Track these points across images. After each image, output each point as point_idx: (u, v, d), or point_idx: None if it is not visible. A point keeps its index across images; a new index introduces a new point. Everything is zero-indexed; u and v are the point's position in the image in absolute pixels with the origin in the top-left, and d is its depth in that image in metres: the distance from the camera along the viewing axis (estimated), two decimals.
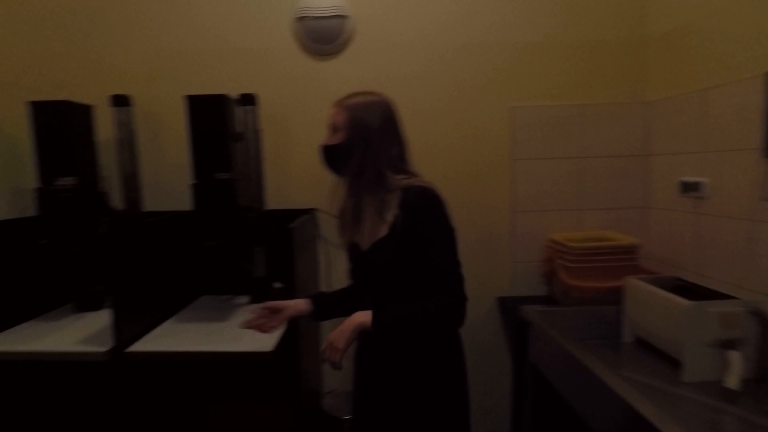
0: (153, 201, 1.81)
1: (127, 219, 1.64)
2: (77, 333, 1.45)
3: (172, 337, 1.42)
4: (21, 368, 1.33)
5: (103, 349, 1.32)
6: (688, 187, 1.59)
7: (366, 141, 1.06)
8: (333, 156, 1.11)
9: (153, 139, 1.82)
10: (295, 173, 1.84)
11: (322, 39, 1.74)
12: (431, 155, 1.79)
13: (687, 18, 1.59)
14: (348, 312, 1.12)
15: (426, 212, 1.03)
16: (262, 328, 1.22)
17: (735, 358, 1.20)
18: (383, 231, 1.06)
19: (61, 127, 1.42)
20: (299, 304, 1.25)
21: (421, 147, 1.54)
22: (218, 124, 1.40)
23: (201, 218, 1.42)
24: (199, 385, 1.36)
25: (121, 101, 1.63)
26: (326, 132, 1.14)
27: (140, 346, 1.35)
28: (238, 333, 1.44)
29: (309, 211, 1.82)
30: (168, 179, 1.83)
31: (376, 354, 1.15)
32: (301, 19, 1.73)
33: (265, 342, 1.36)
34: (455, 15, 1.80)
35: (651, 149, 1.82)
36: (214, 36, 1.80)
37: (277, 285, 1.81)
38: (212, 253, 1.73)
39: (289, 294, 1.72)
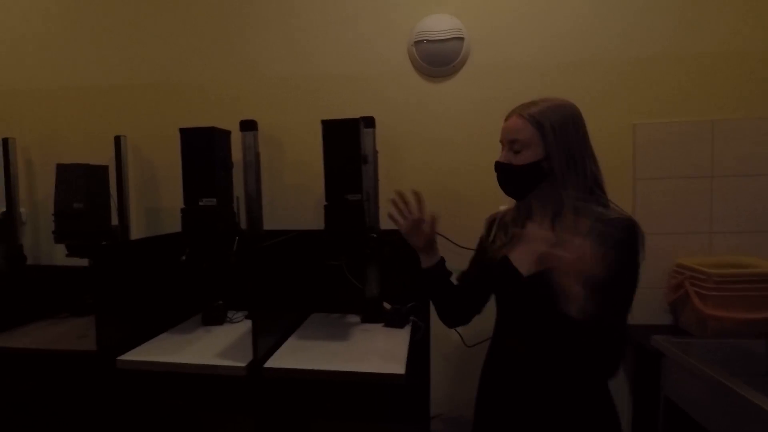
0: (270, 220, 1.88)
1: (253, 238, 1.71)
2: (212, 347, 1.51)
3: (302, 354, 1.44)
4: (164, 379, 1.41)
5: (242, 363, 1.37)
6: None
7: (569, 157, 0.94)
8: (519, 177, 1.00)
9: (271, 162, 1.91)
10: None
11: (438, 61, 1.77)
12: None
13: None
14: (448, 296, 1.16)
15: (626, 250, 0.90)
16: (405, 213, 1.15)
17: None
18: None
19: (206, 151, 1.51)
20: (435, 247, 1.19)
21: None
22: (351, 147, 1.44)
23: (331, 238, 1.45)
24: (327, 402, 1.37)
25: (248, 126, 1.73)
26: (503, 148, 1.04)
27: (276, 362, 1.38)
28: (362, 353, 1.45)
29: None
30: (284, 199, 1.91)
31: (521, 395, 1.04)
32: (419, 43, 1.76)
33: (394, 364, 1.35)
34: (570, 32, 1.77)
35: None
36: (331, 63, 1.87)
37: (387, 306, 1.81)
38: (333, 272, 1.78)
39: (400, 315, 1.73)
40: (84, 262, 1.77)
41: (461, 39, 1.75)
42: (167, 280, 1.74)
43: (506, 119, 1.04)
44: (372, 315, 1.78)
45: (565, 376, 0.99)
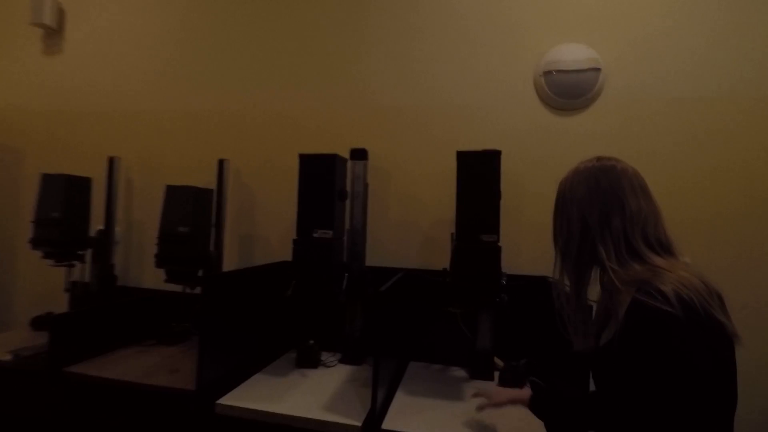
0: (370, 256, 1.75)
1: (358, 275, 1.57)
2: (312, 395, 1.36)
3: (420, 417, 1.25)
4: (262, 428, 1.26)
5: (356, 422, 1.20)
6: None
7: (565, 220, 0.90)
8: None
9: (376, 194, 1.79)
10: (525, 236, 1.67)
11: (569, 93, 1.61)
12: (694, 232, 1.53)
13: None
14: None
15: (652, 341, 0.72)
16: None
17: None
18: (604, 338, 0.84)
19: (326, 179, 1.41)
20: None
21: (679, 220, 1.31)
22: (487, 182, 1.29)
23: (461, 283, 1.29)
24: None
25: (359, 155, 1.62)
26: None
27: (394, 423, 1.20)
28: (490, 422, 1.25)
29: (541, 279, 1.62)
30: (388, 235, 1.78)
31: None
32: (548, 73, 1.62)
33: None
34: (708, 62, 1.58)
35: None
36: (448, 93, 1.77)
37: (499, 361, 1.60)
38: (436, 318, 1.62)
39: (517, 373, 1.51)
40: (173, 287, 1.69)
41: (597, 70, 1.59)
42: (266, 314, 1.63)
43: None
44: (482, 370, 1.58)
45: None
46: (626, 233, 0.83)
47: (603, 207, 0.86)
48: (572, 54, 1.60)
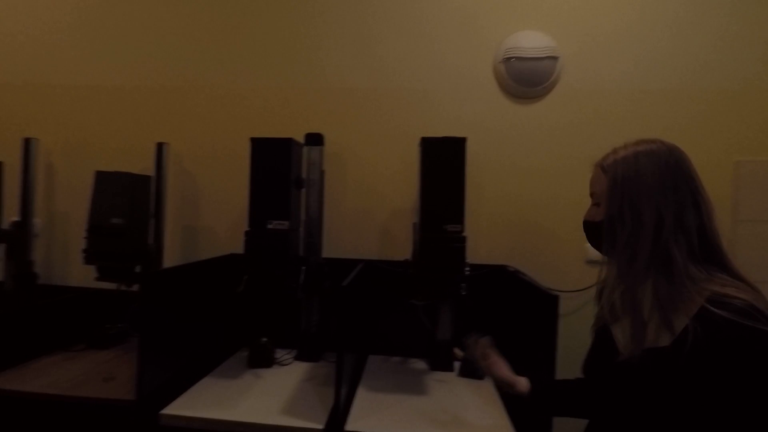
0: (326, 247, 1.67)
1: (314, 267, 1.49)
2: (268, 398, 1.27)
3: (385, 414, 1.20)
4: None
5: (317, 425, 1.13)
6: None
7: (634, 211, 0.76)
8: (596, 234, 0.84)
9: (332, 182, 1.70)
10: (484, 224, 1.66)
11: (528, 81, 1.61)
12: None
13: None
14: (569, 408, 0.95)
15: (748, 348, 0.66)
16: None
17: None
18: (663, 340, 0.73)
19: (281, 166, 1.31)
20: (520, 381, 0.99)
21: None
22: (452, 170, 1.24)
23: (424, 274, 1.24)
24: None
25: (315, 140, 1.53)
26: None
27: (358, 424, 1.15)
28: (455, 414, 1.23)
29: (500, 268, 1.62)
30: (344, 225, 1.70)
31: None
32: (507, 60, 1.60)
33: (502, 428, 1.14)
34: (669, 56, 1.63)
35: None
36: (407, 77, 1.70)
37: (459, 352, 1.59)
38: (393, 310, 1.58)
39: (476, 365, 1.51)
40: (105, 284, 1.52)
41: (555, 58, 1.59)
42: (213, 312, 1.50)
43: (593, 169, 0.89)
44: (442, 362, 1.56)
45: None
46: (703, 232, 0.74)
47: (679, 198, 0.75)
48: (531, 41, 1.59)
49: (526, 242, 1.66)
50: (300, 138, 1.51)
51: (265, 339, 1.57)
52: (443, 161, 1.25)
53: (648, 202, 0.75)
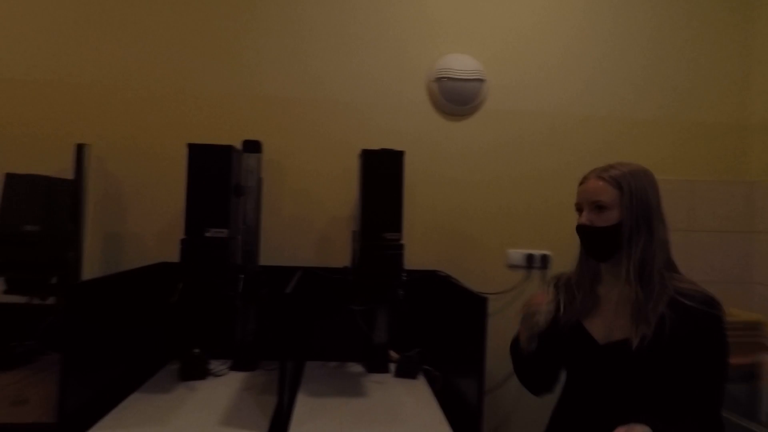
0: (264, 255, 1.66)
1: (252, 276, 1.48)
2: (204, 412, 1.24)
3: (327, 420, 1.23)
4: None
5: None
6: None
7: (647, 222, 0.94)
8: (605, 238, 0.97)
9: (268, 190, 1.70)
10: (418, 232, 1.76)
11: (458, 100, 1.74)
12: (540, 218, 1.82)
13: None
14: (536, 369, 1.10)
15: (712, 329, 0.90)
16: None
17: None
18: (640, 335, 0.92)
19: (221, 173, 1.29)
20: None
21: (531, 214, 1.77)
22: (392, 181, 1.32)
23: (365, 281, 1.30)
24: None
25: (252, 147, 1.52)
26: (582, 211, 1.02)
27: (300, 429, 1.16)
28: (394, 413, 1.29)
29: (432, 273, 1.73)
30: (281, 232, 1.71)
31: None
32: (439, 80, 1.72)
33: (440, 427, 1.22)
34: (588, 86, 1.87)
35: (755, 226, 1.90)
36: (341, 90, 1.76)
37: (394, 354, 1.67)
38: (328, 316, 1.61)
39: (412, 364, 1.60)
40: (13, 298, 1.37)
41: (482, 81, 1.75)
42: (140, 324, 1.43)
43: (583, 182, 1.04)
44: (378, 364, 1.62)
45: None
46: (665, 239, 0.97)
47: (658, 214, 0.97)
48: (460, 64, 1.73)
49: (454, 249, 1.79)
50: (236, 144, 1.49)
51: (197, 350, 1.52)
52: (383, 173, 1.32)
53: (655, 216, 0.96)
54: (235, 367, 1.55)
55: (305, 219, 1.72)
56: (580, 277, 1.09)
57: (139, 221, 1.66)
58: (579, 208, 1.04)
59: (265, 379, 1.49)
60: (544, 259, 1.81)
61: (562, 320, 1.06)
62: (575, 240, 1.83)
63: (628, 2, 1.89)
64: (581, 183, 1.05)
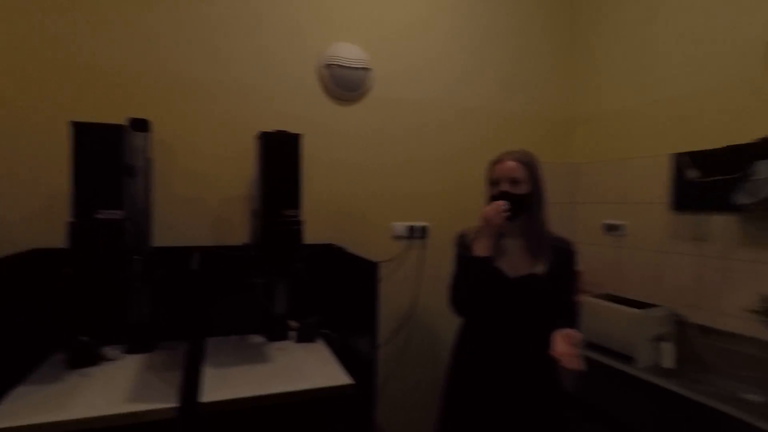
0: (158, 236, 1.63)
1: (146, 257, 1.46)
2: (104, 394, 1.24)
3: (235, 383, 1.33)
4: None
5: (170, 404, 1.18)
6: (611, 228, 2.20)
7: (540, 193, 1.34)
8: (518, 204, 1.31)
9: (160, 170, 1.66)
10: (313, 209, 1.88)
11: (347, 86, 1.88)
12: (419, 195, 2.10)
13: (601, 108, 2.25)
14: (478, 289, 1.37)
15: (574, 262, 1.38)
16: None
17: (667, 347, 1.75)
18: (539, 268, 1.32)
19: (111, 154, 1.25)
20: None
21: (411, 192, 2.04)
22: (290, 162, 1.42)
23: (267, 255, 1.40)
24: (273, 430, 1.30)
25: (141, 126, 1.48)
26: (500, 184, 1.33)
27: (212, 395, 1.25)
28: (296, 371, 1.44)
29: (328, 246, 1.88)
30: (173, 213, 1.69)
31: (500, 370, 1.34)
32: (330, 66, 1.84)
33: (339, 375, 1.40)
34: (468, 80, 2.16)
35: (576, 198, 2.43)
36: (237, 70, 1.77)
37: (293, 322, 1.80)
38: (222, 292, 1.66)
39: (311, 329, 1.75)
40: None
41: (368, 70, 1.91)
42: (12, 317, 1.32)
43: (500, 162, 1.36)
44: (279, 333, 1.74)
45: (536, 352, 1.30)
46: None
47: (544, 187, 1.37)
48: (349, 52, 1.87)
49: (346, 224, 1.96)
50: (121, 122, 1.44)
51: (85, 338, 1.47)
52: (282, 154, 1.41)
53: (543, 188, 1.36)
54: (130, 351, 1.53)
55: (200, 199, 1.73)
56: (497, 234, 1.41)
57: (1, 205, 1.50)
58: (494, 182, 1.37)
59: (164, 358, 1.51)
60: (423, 229, 2.09)
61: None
62: (450, 213, 2.13)
63: (493, 10, 2.21)
64: (497, 163, 1.37)
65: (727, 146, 1.65)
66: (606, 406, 1.72)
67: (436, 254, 2.10)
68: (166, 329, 1.60)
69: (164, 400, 1.20)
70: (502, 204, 1.30)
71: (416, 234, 2.08)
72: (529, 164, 1.34)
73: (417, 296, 2.07)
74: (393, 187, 2.05)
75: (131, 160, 1.35)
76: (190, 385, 1.22)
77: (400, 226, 2.05)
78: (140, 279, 1.41)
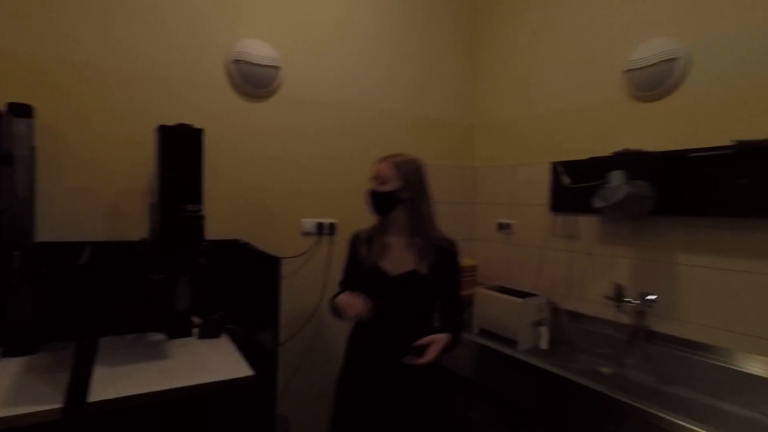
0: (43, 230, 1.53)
1: (31, 252, 1.37)
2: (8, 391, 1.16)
3: (127, 382, 1.30)
4: None
5: (54, 405, 1.14)
6: (503, 227, 2.45)
7: (414, 192, 1.42)
8: (382, 201, 1.42)
9: (47, 159, 1.55)
10: (219, 204, 1.87)
11: (255, 83, 1.89)
12: (328, 193, 2.18)
13: (497, 118, 2.50)
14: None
15: (457, 260, 1.50)
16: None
17: (543, 331, 2.01)
18: (422, 268, 1.41)
19: None
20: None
21: (321, 189, 2.12)
22: (192, 156, 1.41)
23: (166, 250, 1.38)
24: (167, 428, 1.28)
25: (21, 111, 1.38)
26: (372, 182, 1.45)
27: (100, 394, 1.21)
28: (195, 366, 1.44)
29: (233, 242, 1.88)
30: (62, 205, 1.59)
31: (387, 363, 1.41)
32: (237, 62, 1.84)
33: (239, 368, 1.43)
34: (366, 87, 2.25)
35: (476, 200, 2.65)
36: (140, 59, 1.70)
37: (196, 319, 1.77)
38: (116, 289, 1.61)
39: (214, 325, 1.75)
40: None
41: (277, 68, 1.94)
42: None
43: (378, 163, 1.47)
44: (181, 330, 1.72)
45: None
46: (429, 206, 1.47)
47: (421, 188, 1.45)
48: (258, 50, 1.88)
49: (254, 220, 1.98)
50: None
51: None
52: (182, 148, 1.40)
53: (419, 189, 1.44)
54: (10, 353, 1.42)
55: (93, 190, 1.64)
56: (373, 231, 1.51)
57: None
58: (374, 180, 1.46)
59: (49, 360, 1.42)
60: (332, 226, 2.17)
61: (365, 264, 1.46)
62: (359, 210, 2.23)
63: (409, 18, 2.34)
64: (377, 163, 1.47)
65: (591, 158, 1.93)
66: (493, 387, 1.92)
67: (344, 251, 2.17)
68: (52, 329, 1.50)
69: (48, 402, 1.15)
70: (365, 303, 1.35)
71: (325, 231, 2.15)
72: (401, 165, 1.43)
73: (324, 292, 2.14)
74: (303, 184, 2.10)
75: (9, 148, 1.26)
76: (78, 385, 1.17)
77: (310, 222, 2.11)
78: (20, 276, 1.32)
